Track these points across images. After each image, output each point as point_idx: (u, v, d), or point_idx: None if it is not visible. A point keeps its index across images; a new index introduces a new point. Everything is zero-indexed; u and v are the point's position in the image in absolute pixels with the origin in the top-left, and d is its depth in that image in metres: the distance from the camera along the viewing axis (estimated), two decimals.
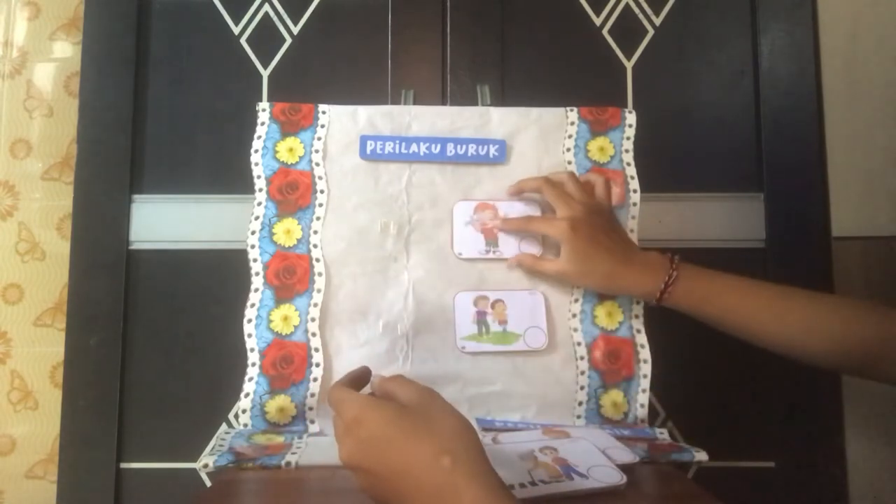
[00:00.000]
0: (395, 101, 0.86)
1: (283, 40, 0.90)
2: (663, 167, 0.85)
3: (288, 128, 0.75)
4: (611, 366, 0.70)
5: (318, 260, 0.71)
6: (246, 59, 0.89)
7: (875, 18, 0.89)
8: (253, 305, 0.69)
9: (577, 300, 0.71)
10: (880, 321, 0.59)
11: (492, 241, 0.72)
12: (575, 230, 0.65)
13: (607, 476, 0.49)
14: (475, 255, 0.72)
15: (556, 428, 0.61)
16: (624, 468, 0.52)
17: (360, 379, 0.52)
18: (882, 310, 0.60)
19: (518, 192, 0.73)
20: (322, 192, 0.73)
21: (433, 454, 0.41)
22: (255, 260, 0.71)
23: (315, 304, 0.69)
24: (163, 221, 0.86)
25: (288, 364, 0.68)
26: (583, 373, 0.70)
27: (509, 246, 0.72)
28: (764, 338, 0.64)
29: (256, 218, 0.72)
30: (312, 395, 0.67)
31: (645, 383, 0.70)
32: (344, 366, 0.68)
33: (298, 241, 0.71)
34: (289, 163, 0.74)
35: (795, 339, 0.62)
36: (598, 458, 0.52)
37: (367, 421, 0.44)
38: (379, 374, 0.51)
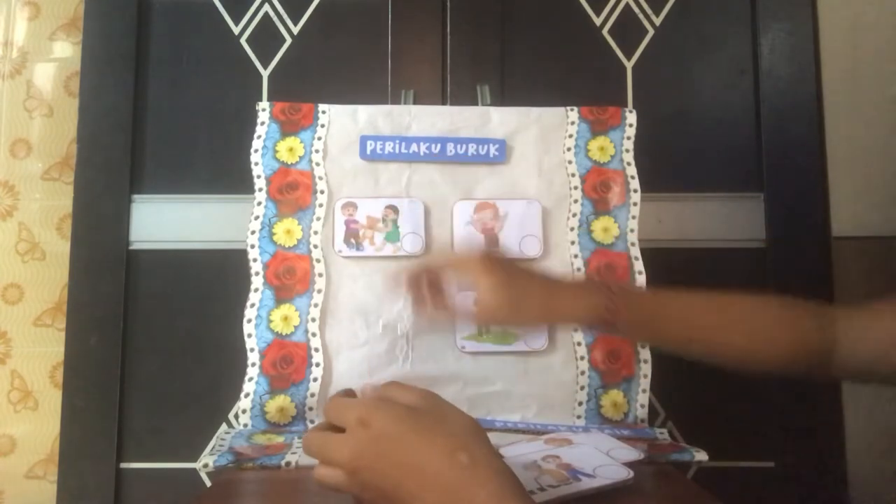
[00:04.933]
0: (395, 101, 0.86)
1: (283, 40, 0.90)
2: (663, 167, 0.85)
3: (288, 127, 0.75)
4: (611, 366, 0.70)
5: (318, 260, 0.71)
6: (246, 59, 0.89)
7: (875, 18, 0.89)
8: (253, 305, 0.69)
9: None
10: (818, 309, 0.58)
11: (492, 242, 0.72)
12: (487, 260, 0.58)
13: (615, 473, 0.49)
14: None
15: (557, 436, 0.60)
16: (630, 467, 0.52)
17: (350, 395, 0.50)
18: (816, 303, 0.59)
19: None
20: (322, 192, 0.73)
21: (449, 450, 0.40)
22: (255, 260, 0.71)
23: (315, 305, 0.69)
24: (163, 221, 0.86)
25: (288, 364, 0.68)
26: (583, 373, 0.70)
27: (510, 246, 0.72)
28: (713, 345, 0.59)
29: (256, 218, 0.72)
30: (312, 395, 0.67)
31: (645, 383, 0.70)
32: (344, 366, 0.68)
33: (299, 241, 0.71)
34: (289, 163, 0.74)
35: (754, 344, 0.58)
36: (602, 458, 0.52)
37: (375, 420, 0.42)
38: (370, 384, 0.50)
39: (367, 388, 0.49)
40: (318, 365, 0.68)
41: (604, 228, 0.73)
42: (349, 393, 0.52)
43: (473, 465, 0.40)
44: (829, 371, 0.57)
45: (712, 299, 0.60)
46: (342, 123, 0.75)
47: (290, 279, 0.70)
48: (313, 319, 0.69)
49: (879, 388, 0.83)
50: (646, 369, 0.70)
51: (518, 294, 0.58)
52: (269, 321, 0.69)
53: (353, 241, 0.71)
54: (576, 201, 0.74)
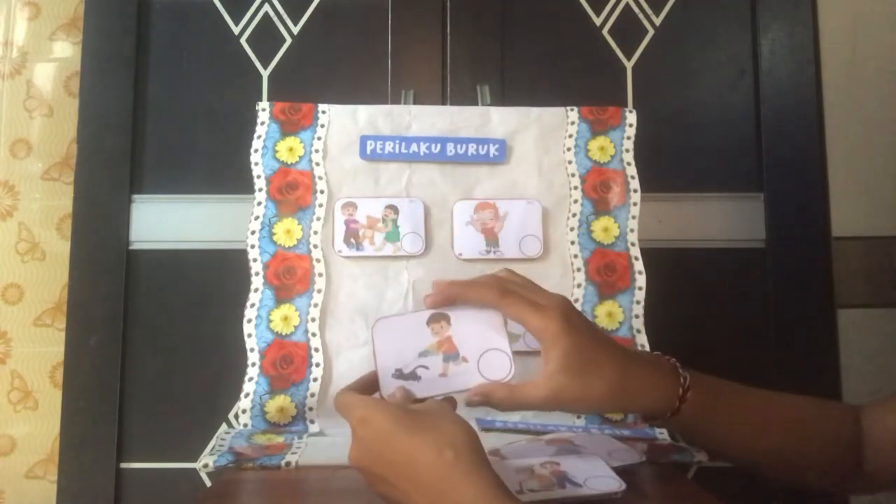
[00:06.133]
0: (395, 101, 0.86)
1: (283, 40, 0.90)
2: (663, 167, 0.85)
3: (288, 127, 0.75)
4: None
5: (318, 260, 0.71)
6: (246, 59, 0.89)
7: (875, 18, 0.89)
8: (253, 305, 0.69)
9: (577, 300, 0.71)
10: (844, 409, 0.55)
11: (492, 242, 0.72)
12: (570, 322, 0.47)
13: (604, 485, 0.49)
14: (475, 256, 0.72)
15: (559, 437, 0.60)
16: (629, 469, 0.51)
17: (369, 383, 0.52)
18: (845, 406, 0.56)
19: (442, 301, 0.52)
20: (322, 192, 0.73)
21: (437, 448, 0.41)
22: (254, 260, 0.71)
23: (315, 305, 0.69)
24: (163, 221, 0.86)
25: (288, 364, 0.68)
26: None
27: (510, 246, 0.72)
28: (786, 453, 0.53)
29: (256, 218, 0.72)
30: (312, 395, 0.67)
31: None
32: (344, 366, 0.68)
33: (298, 241, 0.71)
34: (289, 162, 0.74)
35: (817, 452, 0.53)
36: (601, 469, 0.51)
37: (372, 419, 0.44)
38: (402, 388, 0.50)
39: (399, 391, 0.50)
40: (318, 365, 0.68)
41: (604, 228, 0.73)
42: (372, 378, 0.51)
43: (457, 462, 0.40)
44: (861, 477, 0.53)
45: (785, 401, 0.55)
46: (342, 123, 0.75)
47: (289, 279, 0.70)
48: (313, 319, 0.69)
49: (880, 387, 0.83)
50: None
51: (588, 370, 0.47)
52: (269, 321, 0.69)
53: (353, 240, 0.71)
54: (576, 201, 0.74)
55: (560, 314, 0.47)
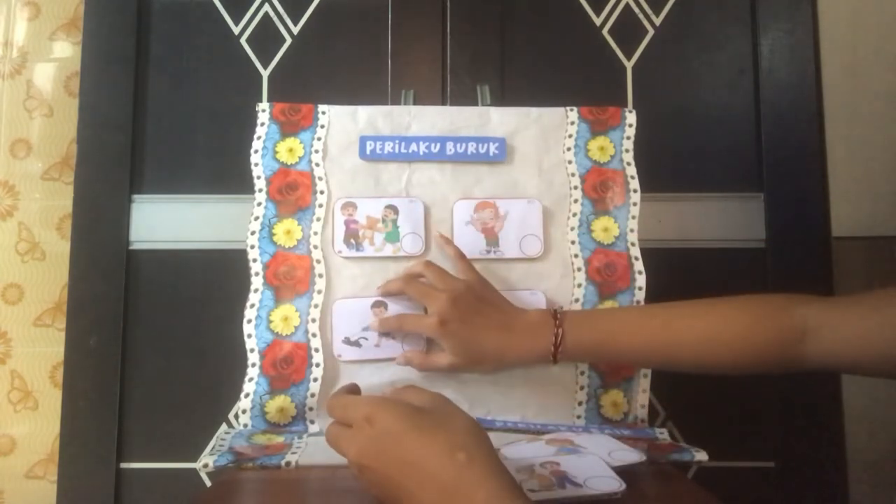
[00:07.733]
0: (395, 101, 0.86)
1: (283, 40, 0.90)
2: (663, 167, 0.85)
3: (288, 128, 0.75)
4: (611, 365, 0.70)
5: (318, 261, 0.71)
6: (246, 59, 0.89)
7: (875, 18, 0.89)
8: (253, 306, 0.69)
9: (577, 300, 0.71)
10: (785, 308, 0.57)
11: (492, 241, 0.72)
12: (445, 324, 0.62)
13: (605, 485, 0.49)
14: (475, 255, 0.72)
15: (559, 437, 0.60)
16: (629, 469, 0.51)
17: (354, 391, 0.53)
18: (788, 298, 0.59)
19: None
20: (322, 192, 0.73)
21: (449, 449, 0.41)
22: (254, 260, 0.71)
23: (315, 305, 0.69)
24: (163, 221, 0.86)
25: (288, 364, 0.68)
26: (583, 373, 0.70)
27: (510, 245, 0.72)
28: (668, 362, 0.62)
29: (256, 218, 0.72)
30: (312, 395, 0.67)
31: (645, 383, 0.70)
32: (344, 366, 0.68)
33: (298, 241, 0.71)
34: (288, 163, 0.74)
35: (702, 351, 0.59)
36: (601, 469, 0.52)
37: (379, 417, 0.43)
38: (390, 388, 0.52)
39: (387, 390, 0.50)
40: (318, 365, 0.68)
41: (604, 228, 0.73)
42: (353, 388, 0.53)
43: (471, 464, 0.40)
44: (803, 365, 0.57)
45: (669, 313, 0.62)
46: (342, 124, 0.75)
47: (289, 279, 0.70)
48: (313, 320, 0.69)
49: (880, 386, 0.83)
50: (646, 369, 0.70)
51: (471, 352, 0.63)
52: (269, 321, 0.69)
53: (352, 241, 0.71)
54: (576, 201, 0.74)
55: (437, 321, 0.62)
